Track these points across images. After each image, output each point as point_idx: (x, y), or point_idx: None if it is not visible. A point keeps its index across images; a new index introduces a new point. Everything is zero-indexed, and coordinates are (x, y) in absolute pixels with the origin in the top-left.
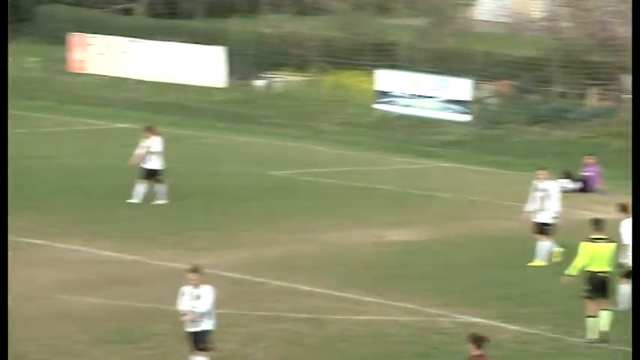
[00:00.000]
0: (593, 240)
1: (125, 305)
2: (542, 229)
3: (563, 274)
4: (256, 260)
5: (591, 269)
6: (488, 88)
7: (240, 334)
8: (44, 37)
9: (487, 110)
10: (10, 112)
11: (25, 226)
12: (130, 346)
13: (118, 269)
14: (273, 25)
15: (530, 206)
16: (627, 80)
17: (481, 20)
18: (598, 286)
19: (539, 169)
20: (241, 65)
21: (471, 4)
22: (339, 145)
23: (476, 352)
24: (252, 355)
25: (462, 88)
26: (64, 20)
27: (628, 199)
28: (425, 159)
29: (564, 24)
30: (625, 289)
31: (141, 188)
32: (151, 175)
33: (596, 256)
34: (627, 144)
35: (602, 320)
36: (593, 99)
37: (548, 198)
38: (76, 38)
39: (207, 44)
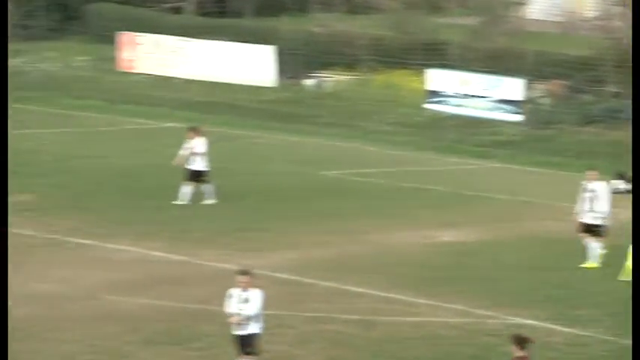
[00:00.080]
0: None
1: (174, 306)
2: (590, 230)
3: (618, 279)
4: (306, 261)
5: None
6: (541, 87)
7: (290, 335)
8: (93, 36)
9: (539, 110)
10: (59, 111)
11: (73, 226)
12: (179, 347)
13: (167, 269)
14: (323, 24)
15: (578, 207)
16: None
17: (533, 19)
18: None
19: (589, 169)
20: (291, 64)
21: (524, 3)
22: (390, 145)
23: (519, 353)
24: (302, 356)
25: (514, 87)
26: (113, 19)
27: None
28: (476, 159)
29: (617, 23)
30: None
31: (186, 190)
32: (196, 176)
33: None
34: None
35: None
36: None
37: (597, 199)
38: (125, 37)
39: (257, 43)
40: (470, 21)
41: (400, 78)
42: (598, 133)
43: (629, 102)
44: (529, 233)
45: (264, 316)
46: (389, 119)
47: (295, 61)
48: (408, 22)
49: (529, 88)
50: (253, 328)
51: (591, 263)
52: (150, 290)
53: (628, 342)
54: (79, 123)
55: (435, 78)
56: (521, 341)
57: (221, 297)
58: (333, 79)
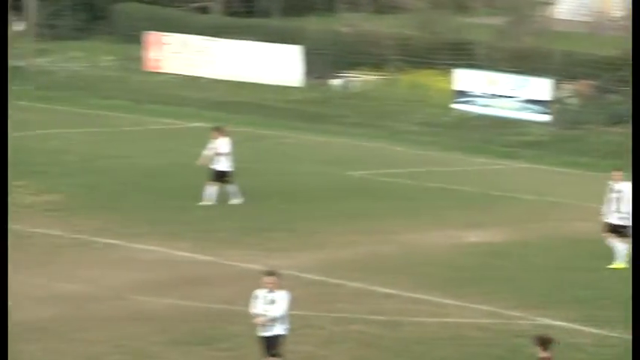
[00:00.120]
0: None
1: (199, 306)
2: (616, 230)
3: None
4: (333, 261)
5: None
6: (568, 87)
7: (317, 335)
8: (120, 36)
9: (567, 110)
10: (85, 110)
11: (99, 226)
12: (205, 347)
13: (193, 270)
14: (350, 23)
15: (605, 207)
16: None
17: (561, 19)
18: None
19: (616, 169)
20: (318, 64)
21: (551, 3)
22: (417, 146)
23: (543, 354)
24: (328, 357)
25: (542, 87)
26: (140, 19)
27: None
28: (503, 159)
29: None
30: None
31: (211, 190)
32: (220, 176)
33: None
34: None
35: None
36: None
37: (622, 199)
38: (151, 37)
39: (284, 43)
40: (496, 20)
41: (427, 78)
42: (626, 133)
43: None
44: (556, 234)
45: (291, 317)
46: (416, 119)
47: (322, 61)
48: (435, 22)
49: (556, 88)
50: (279, 330)
51: (619, 264)
52: (176, 290)
53: None
54: (105, 123)
55: (463, 78)
56: (544, 342)
57: (246, 297)
58: (360, 79)
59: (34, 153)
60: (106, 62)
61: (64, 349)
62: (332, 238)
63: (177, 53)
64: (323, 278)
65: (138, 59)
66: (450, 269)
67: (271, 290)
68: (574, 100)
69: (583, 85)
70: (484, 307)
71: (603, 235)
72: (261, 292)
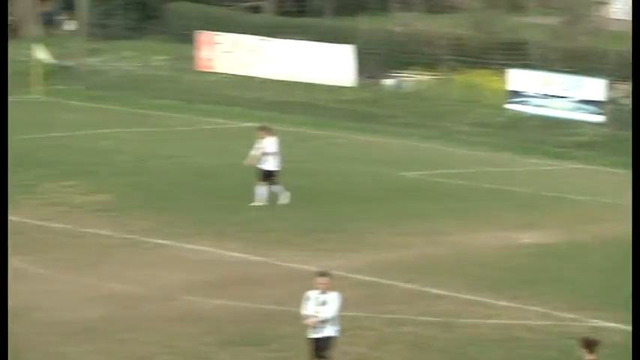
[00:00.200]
0: None
1: (251, 307)
2: None
3: None
4: (385, 262)
5: None
6: (623, 88)
7: (369, 337)
8: (171, 35)
9: (621, 111)
10: (136, 110)
11: (150, 226)
12: (256, 348)
13: (244, 270)
14: (402, 23)
15: None
16: None
17: (615, 19)
18: None
19: None
20: (370, 64)
21: (606, 3)
22: (470, 146)
23: (589, 356)
24: (381, 358)
25: (596, 88)
26: (192, 18)
27: None
28: (557, 160)
29: None
30: None
31: (261, 190)
32: (267, 176)
33: None
34: None
35: None
36: None
37: None
38: (203, 36)
39: (336, 42)
40: (551, 20)
41: (480, 78)
42: None
43: None
44: (609, 235)
45: (342, 318)
46: (469, 119)
47: (374, 61)
48: (489, 22)
49: (611, 88)
50: (329, 332)
51: None
52: (226, 291)
53: None
54: (156, 123)
55: (517, 78)
56: (590, 344)
57: (297, 298)
58: (412, 78)
59: (84, 153)
60: (158, 62)
61: (114, 350)
62: (383, 239)
63: (229, 53)
64: (374, 279)
65: (190, 59)
66: (502, 270)
67: (323, 291)
68: (628, 101)
69: None
70: (536, 309)
71: None
72: (313, 294)
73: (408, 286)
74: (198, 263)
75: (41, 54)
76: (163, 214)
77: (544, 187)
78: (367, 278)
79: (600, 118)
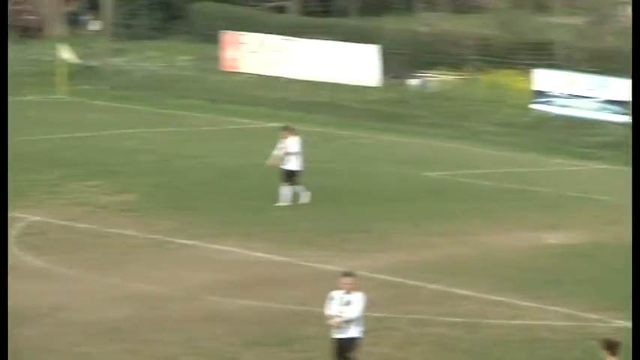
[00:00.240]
0: None
1: (275, 307)
2: None
3: None
4: (410, 263)
5: None
6: None
7: (394, 337)
8: (196, 35)
9: None
10: (161, 110)
11: (174, 226)
12: (280, 348)
13: (269, 271)
14: (428, 23)
15: None
16: None
17: None
18: None
19: None
20: (395, 64)
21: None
22: (495, 146)
23: (611, 358)
24: (406, 359)
25: (621, 88)
26: (217, 18)
27: None
28: (582, 160)
29: None
30: None
31: (286, 190)
32: (290, 176)
33: None
34: None
35: None
36: None
37: None
38: (228, 36)
39: (361, 42)
40: (576, 20)
41: (506, 78)
42: None
43: None
44: None
45: (367, 319)
46: (494, 119)
47: (399, 61)
48: (514, 22)
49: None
50: (353, 332)
51: None
52: (251, 291)
53: None
54: (181, 123)
55: (542, 78)
56: (611, 346)
57: (321, 298)
58: (437, 78)
59: (109, 153)
60: (183, 62)
61: (139, 350)
62: (408, 239)
63: (254, 53)
64: (399, 280)
65: (214, 59)
66: (527, 271)
67: (348, 292)
68: None
69: None
70: (562, 310)
71: None
72: (337, 294)
73: (433, 286)
74: (223, 263)
75: (66, 54)
76: (188, 214)
77: (569, 187)
78: (391, 278)
79: (625, 119)
